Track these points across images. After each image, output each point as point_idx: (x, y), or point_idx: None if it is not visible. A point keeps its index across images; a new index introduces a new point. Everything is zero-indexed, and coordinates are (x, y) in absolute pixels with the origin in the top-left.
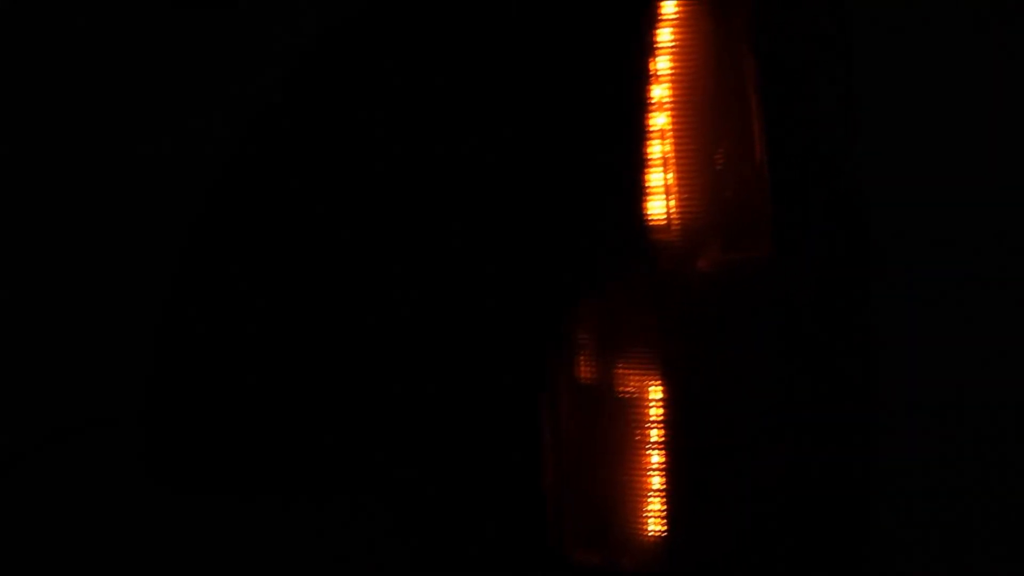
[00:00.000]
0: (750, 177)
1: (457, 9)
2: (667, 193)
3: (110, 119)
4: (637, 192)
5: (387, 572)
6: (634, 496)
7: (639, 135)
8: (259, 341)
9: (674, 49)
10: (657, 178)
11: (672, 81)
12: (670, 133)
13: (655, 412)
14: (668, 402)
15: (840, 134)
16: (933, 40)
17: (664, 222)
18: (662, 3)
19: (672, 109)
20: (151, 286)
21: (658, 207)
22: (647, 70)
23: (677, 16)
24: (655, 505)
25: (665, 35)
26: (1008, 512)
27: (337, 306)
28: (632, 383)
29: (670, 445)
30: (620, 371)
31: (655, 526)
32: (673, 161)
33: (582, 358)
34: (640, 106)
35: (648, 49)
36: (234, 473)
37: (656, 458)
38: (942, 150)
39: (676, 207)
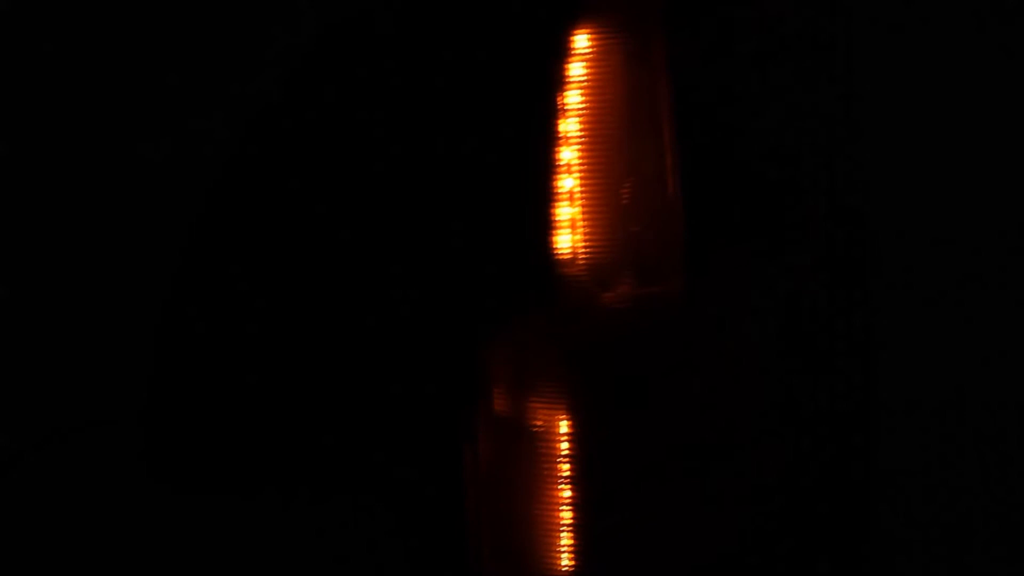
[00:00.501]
0: (661, 211)
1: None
2: (573, 227)
3: (110, 119)
4: (544, 226)
5: (387, 572)
6: (546, 530)
7: (547, 169)
8: (258, 341)
9: (585, 84)
10: (563, 212)
11: (582, 115)
12: (577, 167)
13: (564, 446)
14: (576, 437)
15: (768, 166)
16: (932, 40)
17: (570, 256)
18: (575, 37)
19: (581, 143)
20: (150, 286)
21: (564, 241)
22: (557, 104)
23: (590, 51)
24: (566, 540)
25: (577, 69)
26: (1008, 512)
27: (334, 306)
28: (542, 417)
29: (578, 480)
30: (532, 404)
31: (567, 561)
32: (579, 195)
33: (497, 390)
34: (548, 140)
35: (559, 83)
36: (234, 473)
37: (566, 492)
38: (941, 150)
39: (581, 241)
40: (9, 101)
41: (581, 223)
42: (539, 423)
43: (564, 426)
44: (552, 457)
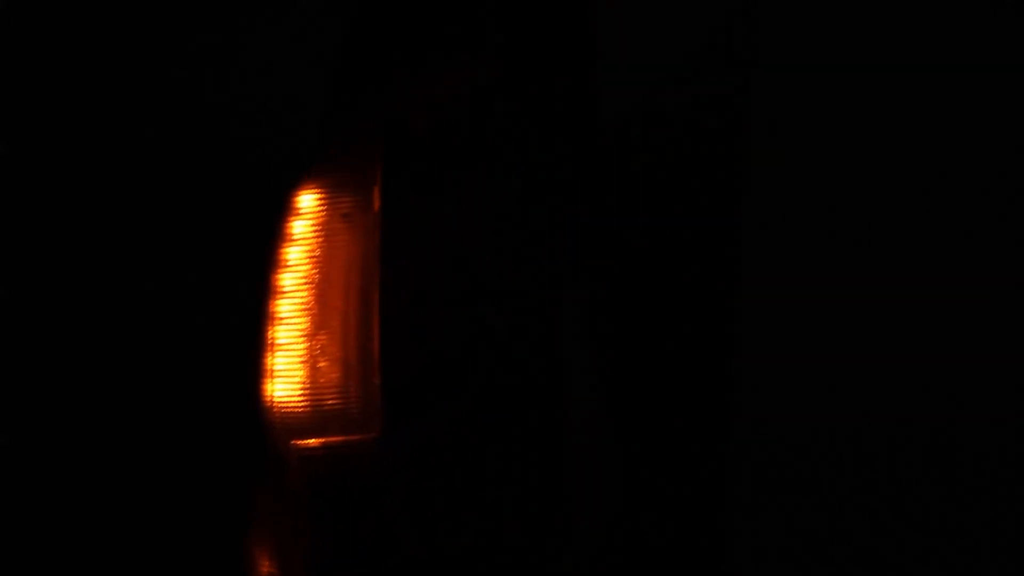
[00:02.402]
0: (360, 365)
1: None
2: (271, 376)
3: (110, 119)
4: (261, 374)
5: None
6: None
7: (265, 319)
8: None
9: (305, 240)
10: (270, 361)
11: (297, 269)
12: (284, 319)
13: None
14: (276, 569)
15: (469, 327)
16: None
17: (269, 404)
18: (299, 196)
19: (290, 296)
20: (150, 286)
21: (267, 390)
22: (279, 258)
23: (312, 209)
24: None
25: (299, 227)
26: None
27: None
28: (259, 550)
29: None
30: (254, 537)
31: None
32: (280, 345)
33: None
34: (268, 292)
35: (283, 238)
36: None
37: None
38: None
39: (275, 389)
40: (9, 101)
41: (276, 372)
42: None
43: (266, 563)
44: None
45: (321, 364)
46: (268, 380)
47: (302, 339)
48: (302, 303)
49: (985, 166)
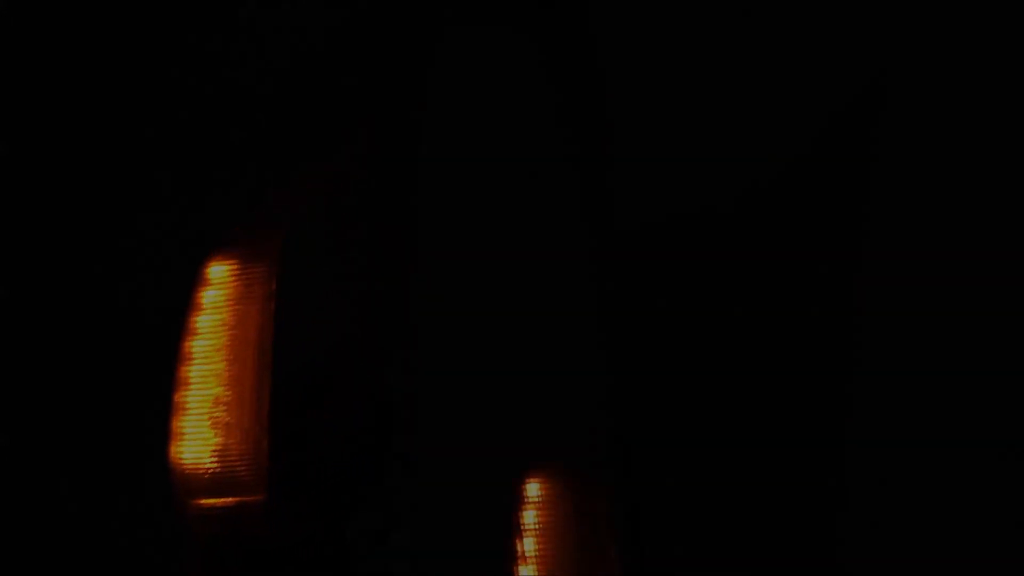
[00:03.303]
0: (252, 429)
1: None
2: (176, 437)
3: (110, 119)
4: (171, 436)
5: None
6: None
7: (176, 384)
8: None
9: (214, 309)
10: (176, 424)
11: (204, 336)
12: (192, 384)
13: None
14: None
15: (354, 394)
16: None
17: (175, 464)
18: (210, 267)
19: (198, 362)
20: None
21: (173, 451)
22: (190, 325)
23: (221, 280)
24: None
25: (209, 295)
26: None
27: None
28: None
29: None
30: None
31: None
32: (183, 411)
33: None
34: (180, 358)
35: (194, 309)
36: None
37: None
38: None
39: (179, 451)
40: (9, 101)
41: (181, 435)
42: None
43: None
44: None
45: (222, 428)
46: (175, 442)
47: (207, 403)
48: (209, 369)
49: None
